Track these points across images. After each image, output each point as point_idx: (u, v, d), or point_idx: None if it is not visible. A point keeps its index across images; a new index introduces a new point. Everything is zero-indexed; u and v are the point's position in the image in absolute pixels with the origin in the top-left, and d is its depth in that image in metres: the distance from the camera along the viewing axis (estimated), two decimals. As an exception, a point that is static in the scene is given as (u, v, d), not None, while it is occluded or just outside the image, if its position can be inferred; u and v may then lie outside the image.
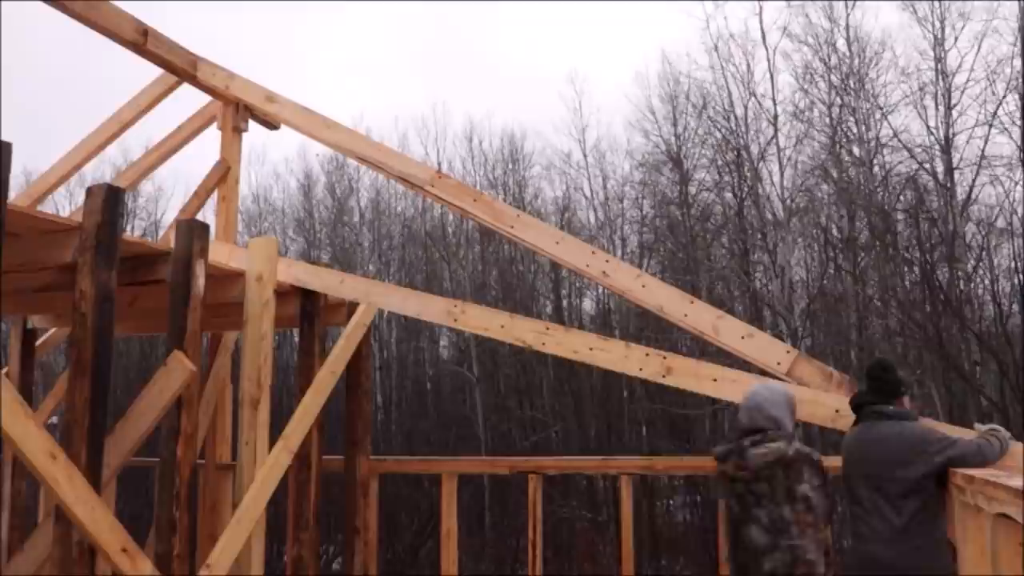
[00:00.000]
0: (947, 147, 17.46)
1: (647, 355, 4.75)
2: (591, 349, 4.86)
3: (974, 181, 17.25)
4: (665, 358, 4.73)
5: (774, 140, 19.56)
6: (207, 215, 8.64)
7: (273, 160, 48.23)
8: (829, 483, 3.80)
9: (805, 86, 19.60)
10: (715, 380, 4.61)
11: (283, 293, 5.51)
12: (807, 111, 19.60)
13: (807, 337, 18.82)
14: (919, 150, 18.00)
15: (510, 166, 27.00)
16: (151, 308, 5.54)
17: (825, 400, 4.33)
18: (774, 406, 3.86)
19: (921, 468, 3.57)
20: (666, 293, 4.92)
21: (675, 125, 22.39)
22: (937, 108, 17.78)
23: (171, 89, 6.32)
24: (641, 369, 4.74)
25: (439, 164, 26.25)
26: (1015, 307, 17.03)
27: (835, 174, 19.16)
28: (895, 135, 18.34)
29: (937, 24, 17.93)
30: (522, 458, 4.97)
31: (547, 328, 5.04)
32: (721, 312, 4.82)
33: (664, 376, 4.69)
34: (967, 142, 17.38)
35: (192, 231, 4.58)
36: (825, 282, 19.55)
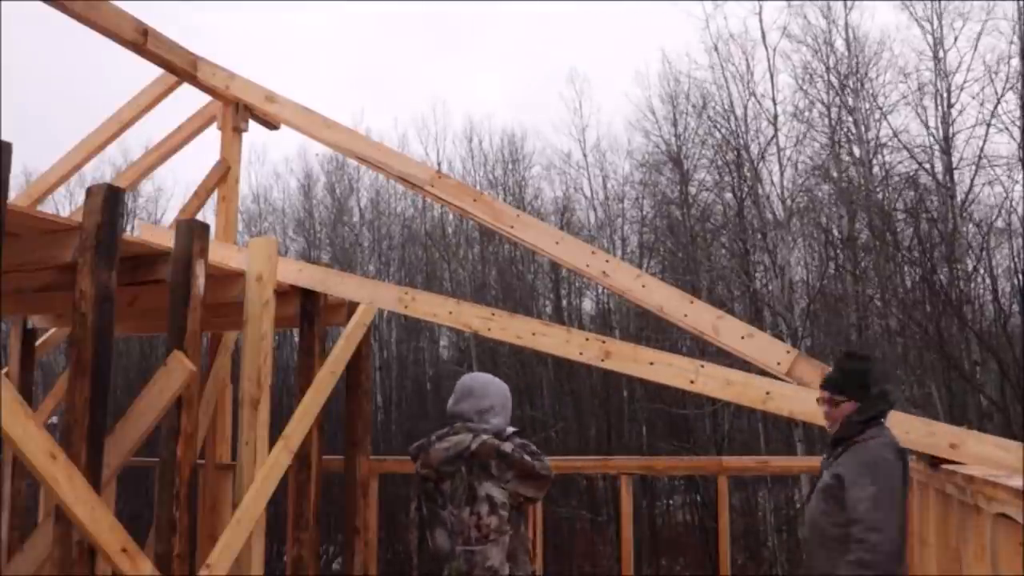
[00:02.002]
0: (947, 147, 17.47)
1: (587, 340, 4.90)
2: (534, 334, 4.98)
3: (973, 181, 17.28)
4: (604, 343, 4.85)
5: (774, 140, 19.57)
6: (207, 215, 8.65)
7: (273, 160, 48.30)
8: (531, 468, 3.39)
9: (804, 86, 19.62)
10: (651, 364, 4.71)
11: (283, 293, 5.51)
12: (807, 111, 19.62)
13: (807, 337, 18.82)
14: (919, 150, 18.02)
15: (510, 166, 27.03)
16: (151, 308, 5.54)
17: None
18: (469, 397, 3.49)
19: None
20: (666, 293, 4.93)
21: (675, 125, 22.41)
22: (937, 108, 17.81)
23: (171, 89, 6.32)
24: (581, 353, 4.84)
25: (439, 164, 26.26)
26: (1015, 307, 17.03)
27: (835, 174, 19.17)
28: (895, 135, 18.37)
29: (936, 24, 17.94)
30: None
31: (492, 314, 5.16)
32: (721, 312, 4.82)
33: (603, 360, 4.78)
34: (967, 142, 17.41)
35: (192, 231, 4.58)
36: (825, 282, 19.55)
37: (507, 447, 3.39)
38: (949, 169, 17.33)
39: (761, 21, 19.71)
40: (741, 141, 20.22)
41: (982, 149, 16.97)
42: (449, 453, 3.37)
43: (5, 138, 3.55)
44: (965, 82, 17.46)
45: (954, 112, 17.56)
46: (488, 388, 3.58)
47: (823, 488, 3.35)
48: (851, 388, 3.41)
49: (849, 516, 3.14)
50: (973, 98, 17.26)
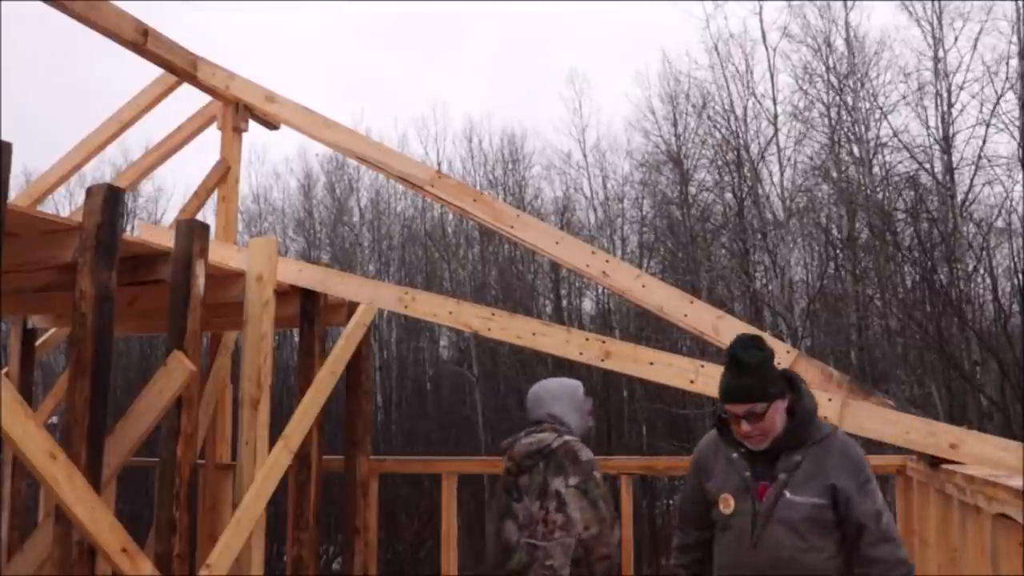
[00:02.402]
0: (947, 147, 17.47)
1: (587, 340, 4.89)
2: (534, 334, 4.98)
3: (973, 180, 17.29)
4: (604, 343, 4.85)
5: (774, 140, 19.59)
6: (207, 215, 8.65)
7: (273, 160, 48.29)
8: (592, 491, 3.42)
9: (804, 86, 19.62)
10: (651, 364, 4.71)
11: (283, 293, 5.51)
12: (807, 111, 19.62)
13: (807, 337, 18.82)
14: (919, 150, 18.03)
15: (510, 166, 27.04)
16: (151, 308, 5.53)
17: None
18: (553, 401, 3.68)
19: None
20: (666, 293, 4.93)
21: (675, 125, 22.42)
22: (936, 108, 17.81)
23: (171, 89, 6.32)
24: (581, 353, 4.84)
25: (439, 164, 26.27)
26: (1015, 307, 17.03)
27: (835, 174, 19.17)
28: (895, 135, 18.37)
29: (935, 24, 17.94)
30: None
31: (492, 314, 5.16)
32: (721, 312, 4.83)
33: (603, 360, 4.78)
34: (967, 142, 17.41)
35: (192, 231, 4.58)
36: (825, 282, 19.55)
37: (584, 454, 3.51)
38: (949, 169, 17.34)
39: (761, 21, 19.76)
40: (741, 141, 20.24)
41: (982, 149, 17.00)
42: (531, 448, 3.50)
43: (5, 138, 3.55)
44: (965, 82, 17.50)
45: (954, 112, 17.59)
46: (559, 391, 3.78)
47: (804, 519, 2.63)
48: (775, 382, 2.74)
49: (869, 538, 2.62)
50: (973, 97, 17.30)
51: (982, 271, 17.11)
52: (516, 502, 3.45)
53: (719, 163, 21.22)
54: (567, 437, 3.54)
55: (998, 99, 16.74)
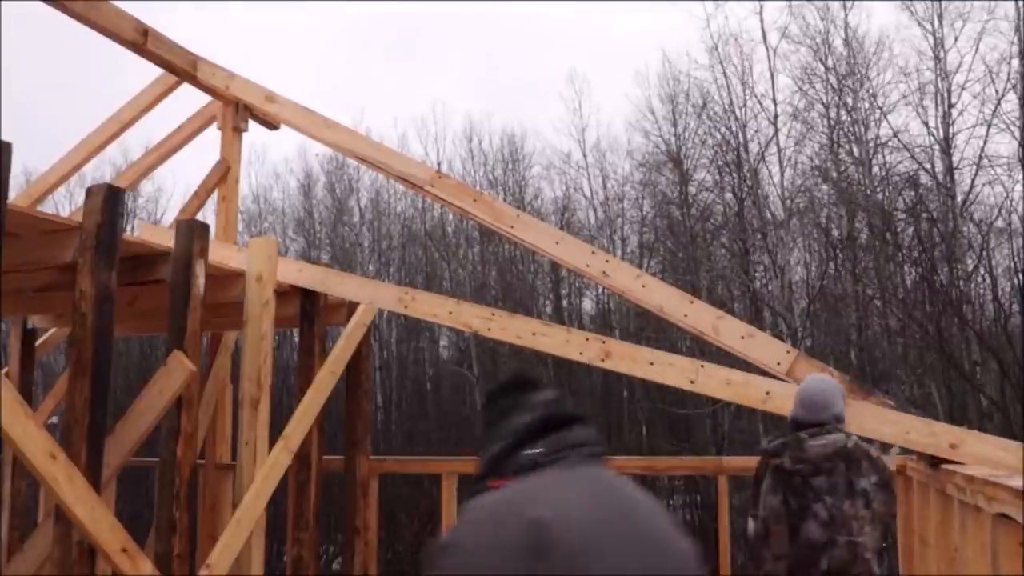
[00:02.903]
0: (947, 147, 17.46)
1: (587, 340, 4.92)
2: (534, 334, 5.00)
3: (973, 181, 17.27)
4: (604, 343, 4.87)
5: (774, 140, 19.57)
6: (207, 215, 8.64)
7: (273, 160, 48.18)
8: (889, 482, 3.67)
9: (804, 87, 19.61)
10: (652, 364, 4.72)
11: (283, 293, 5.52)
12: (807, 111, 19.61)
13: (807, 337, 18.81)
14: (919, 150, 18.01)
15: (510, 166, 27.00)
16: (151, 308, 5.54)
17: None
18: (836, 400, 3.74)
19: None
20: (666, 293, 4.93)
21: (675, 125, 22.39)
22: (937, 108, 17.80)
23: (171, 89, 6.32)
24: (581, 353, 4.86)
25: (439, 164, 26.24)
26: (1015, 307, 17.02)
27: (835, 174, 19.16)
28: (895, 135, 18.35)
29: (936, 24, 17.94)
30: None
31: (492, 314, 5.19)
32: (721, 312, 4.83)
33: (603, 360, 4.79)
34: (967, 142, 17.40)
35: (192, 231, 4.58)
36: (825, 282, 19.54)
37: (873, 452, 3.65)
38: (949, 169, 17.32)
39: (761, 21, 19.72)
40: (741, 141, 20.22)
41: (983, 149, 16.98)
42: (827, 450, 3.56)
43: (5, 138, 3.55)
44: (966, 82, 17.47)
45: (954, 112, 17.56)
46: (836, 391, 3.81)
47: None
48: None
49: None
50: (974, 98, 17.27)
51: (982, 271, 17.11)
52: (814, 503, 3.52)
53: (719, 163, 21.20)
54: (855, 437, 3.66)
55: (999, 100, 16.75)
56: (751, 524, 3.70)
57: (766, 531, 3.62)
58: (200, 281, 4.54)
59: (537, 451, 1.47)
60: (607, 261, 5.09)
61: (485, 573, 1.27)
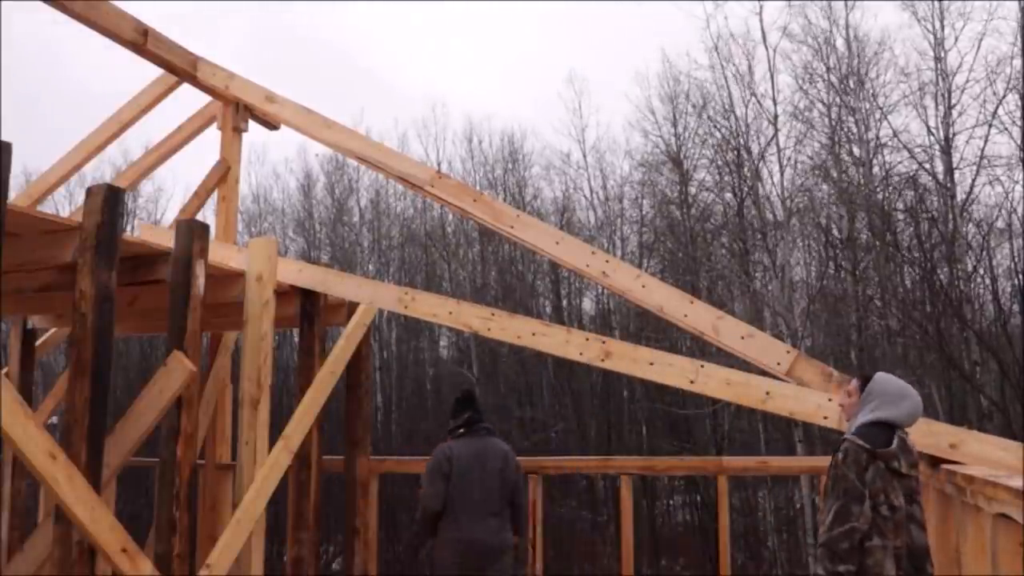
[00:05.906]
0: (947, 147, 17.45)
1: (587, 340, 4.91)
2: (534, 334, 5.00)
3: (974, 181, 17.25)
4: (604, 343, 4.86)
5: (774, 140, 19.55)
6: (207, 215, 8.64)
7: (273, 160, 48.23)
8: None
9: (805, 86, 19.59)
10: (652, 364, 4.72)
11: (283, 293, 5.52)
12: (807, 111, 19.60)
13: (807, 337, 18.79)
14: (919, 150, 18.00)
15: (510, 166, 27.00)
16: (151, 308, 5.54)
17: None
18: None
19: (515, 476, 4.87)
20: (666, 293, 4.93)
21: (675, 125, 22.38)
22: (937, 108, 17.78)
23: (171, 89, 6.32)
24: (581, 353, 4.86)
25: (439, 164, 26.24)
26: (1015, 307, 17.02)
27: (835, 174, 19.15)
28: (895, 135, 18.34)
29: (937, 24, 17.92)
30: (522, 458, 5.01)
31: (492, 314, 5.19)
32: (721, 312, 4.83)
33: (603, 360, 4.79)
34: (967, 142, 17.38)
35: (192, 231, 4.58)
36: (825, 282, 19.53)
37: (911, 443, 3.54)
38: (949, 169, 17.31)
39: (762, 21, 19.68)
40: (741, 141, 20.20)
41: (983, 150, 16.96)
42: (917, 449, 3.51)
43: (5, 138, 3.55)
44: (967, 82, 17.45)
45: (955, 112, 17.54)
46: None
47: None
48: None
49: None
50: (974, 99, 17.24)
51: (982, 271, 17.11)
52: (914, 504, 3.40)
53: (719, 163, 21.18)
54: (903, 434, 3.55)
55: (1000, 100, 16.73)
56: (838, 533, 3.25)
57: (880, 541, 3.27)
58: (200, 281, 4.54)
59: (460, 428, 4.91)
60: (607, 261, 5.08)
61: (439, 464, 4.76)
